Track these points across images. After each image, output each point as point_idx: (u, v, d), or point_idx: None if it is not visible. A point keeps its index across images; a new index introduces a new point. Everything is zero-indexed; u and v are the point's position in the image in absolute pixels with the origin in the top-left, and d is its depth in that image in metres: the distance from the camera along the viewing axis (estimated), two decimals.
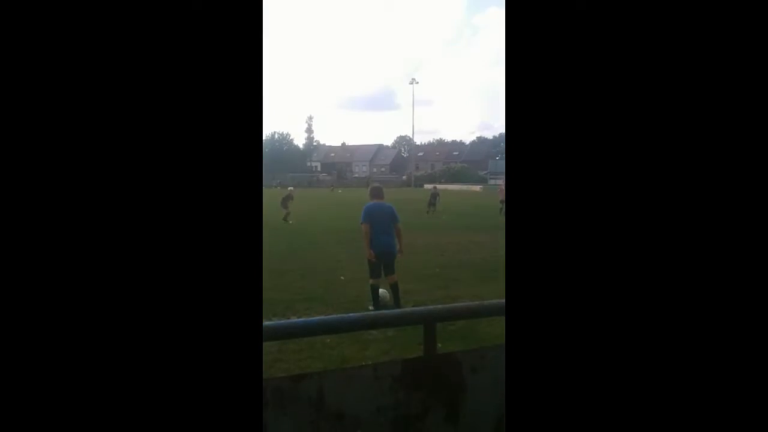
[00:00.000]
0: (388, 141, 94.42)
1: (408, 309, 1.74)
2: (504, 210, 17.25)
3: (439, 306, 1.76)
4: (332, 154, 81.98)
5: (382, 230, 5.56)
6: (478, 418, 1.66)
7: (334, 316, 1.45)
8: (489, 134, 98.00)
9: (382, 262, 5.57)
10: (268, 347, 3.71)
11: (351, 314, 1.58)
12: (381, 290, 5.58)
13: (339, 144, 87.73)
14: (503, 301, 2.01)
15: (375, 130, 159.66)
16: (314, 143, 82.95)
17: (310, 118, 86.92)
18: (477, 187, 44.68)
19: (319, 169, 74.81)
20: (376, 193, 5.85)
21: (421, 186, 52.85)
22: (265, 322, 1.43)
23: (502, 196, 17.23)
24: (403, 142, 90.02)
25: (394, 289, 5.59)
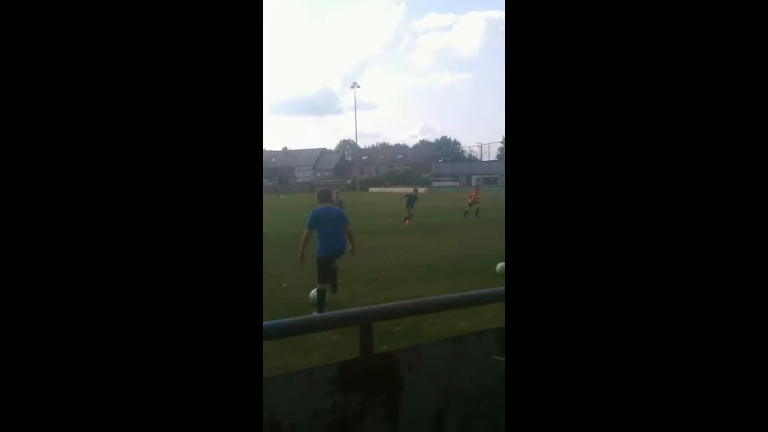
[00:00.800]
0: (331, 145, 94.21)
1: (343, 310, 1.71)
2: (468, 212, 18.01)
3: (375, 306, 1.74)
4: (273, 159, 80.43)
5: (330, 234, 5.45)
6: (417, 414, 1.65)
7: (266, 322, 1.39)
8: (431, 137, 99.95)
9: (332, 266, 5.51)
10: None
11: (283, 320, 1.53)
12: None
13: (280, 149, 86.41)
14: (437, 297, 2.02)
15: (318, 135, 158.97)
16: None
17: None
18: (422, 189, 45.30)
19: None
20: (325, 197, 5.67)
21: (366, 189, 52.87)
22: None
23: (470, 199, 18.72)
24: (347, 146, 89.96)
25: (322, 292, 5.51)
